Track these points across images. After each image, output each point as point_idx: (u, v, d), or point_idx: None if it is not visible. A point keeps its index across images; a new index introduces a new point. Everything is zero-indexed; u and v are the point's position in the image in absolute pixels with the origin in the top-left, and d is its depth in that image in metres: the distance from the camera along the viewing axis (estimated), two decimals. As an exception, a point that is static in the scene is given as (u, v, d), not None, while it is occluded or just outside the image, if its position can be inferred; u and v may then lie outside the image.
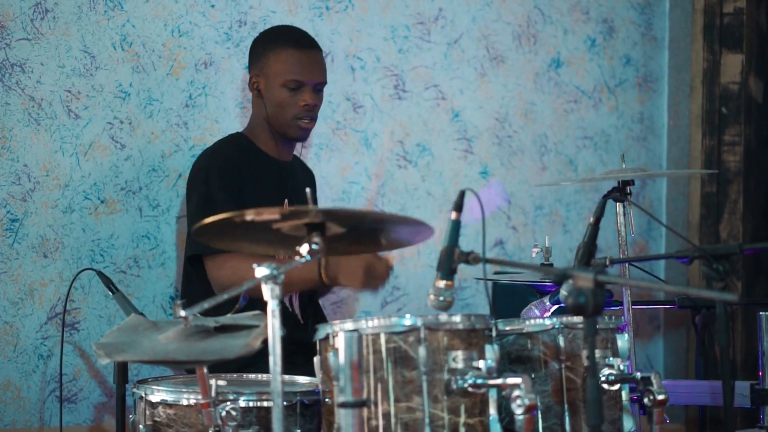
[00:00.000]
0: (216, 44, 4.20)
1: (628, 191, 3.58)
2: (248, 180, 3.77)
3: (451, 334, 2.80)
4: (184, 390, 2.99)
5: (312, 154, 4.34)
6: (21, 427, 3.86)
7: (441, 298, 2.84)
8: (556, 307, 3.44)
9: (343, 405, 2.56)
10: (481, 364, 2.78)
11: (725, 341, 2.97)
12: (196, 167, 3.84)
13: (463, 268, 2.88)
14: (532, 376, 2.99)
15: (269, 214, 2.73)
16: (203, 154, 3.86)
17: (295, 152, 4.00)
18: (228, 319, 2.83)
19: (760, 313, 3.61)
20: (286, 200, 3.81)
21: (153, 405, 3.00)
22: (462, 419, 2.77)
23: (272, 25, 4.25)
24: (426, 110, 4.61)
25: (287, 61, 3.81)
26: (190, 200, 3.80)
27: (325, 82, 3.89)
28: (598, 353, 2.98)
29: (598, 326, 2.87)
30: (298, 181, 3.95)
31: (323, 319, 3.94)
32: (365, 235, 2.92)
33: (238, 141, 3.90)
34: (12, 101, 3.87)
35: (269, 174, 3.84)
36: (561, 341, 3.01)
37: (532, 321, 3.06)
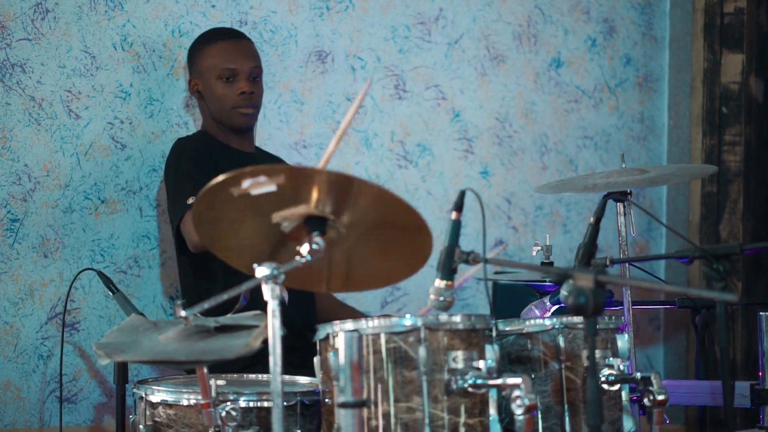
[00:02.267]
0: (216, 44, 4.20)
1: (629, 191, 3.58)
2: (217, 166, 3.79)
3: (451, 334, 2.80)
4: (184, 390, 2.99)
5: (312, 154, 4.34)
6: (21, 427, 3.86)
7: (441, 299, 2.84)
8: (556, 307, 3.44)
9: (343, 405, 2.56)
10: (481, 364, 2.78)
11: (725, 341, 2.97)
12: (169, 157, 3.91)
13: (463, 268, 2.88)
14: (532, 376, 2.99)
15: (268, 183, 2.63)
16: (174, 146, 3.92)
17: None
18: (228, 319, 2.83)
19: (760, 313, 3.61)
20: None
21: (153, 405, 3.00)
22: (462, 419, 2.77)
23: (273, 25, 4.26)
24: (426, 110, 4.61)
25: (216, 54, 3.92)
26: (167, 187, 3.88)
27: (258, 68, 3.95)
28: (598, 353, 2.99)
29: (598, 326, 2.87)
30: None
31: (313, 316, 3.97)
32: (369, 237, 2.88)
33: (202, 135, 3.98)
34: (12, 101, 3.87)
35: (234, 164, 3.84)
36: (561, 341, 3.01)
37: (532, 321, 3.06)
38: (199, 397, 2.82)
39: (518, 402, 2.68)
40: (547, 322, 3.04)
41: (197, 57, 3.97)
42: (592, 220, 3.37)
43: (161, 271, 4.08)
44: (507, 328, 3.04)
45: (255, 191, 2.65)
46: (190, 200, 3.68)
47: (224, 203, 2.70)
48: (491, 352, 2.80)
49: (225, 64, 3.90)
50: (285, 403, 2.90)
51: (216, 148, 3.91)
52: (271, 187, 2.65)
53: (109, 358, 2.73)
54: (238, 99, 3.89)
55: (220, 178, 2.64)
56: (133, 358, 2.87)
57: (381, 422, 2.77)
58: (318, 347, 2.92)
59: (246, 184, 2.63)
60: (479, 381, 2.76)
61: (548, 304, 3.44)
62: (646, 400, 2.99)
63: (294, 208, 2.71)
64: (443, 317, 2.81)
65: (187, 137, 3.99)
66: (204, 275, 3.80)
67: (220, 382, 2.89)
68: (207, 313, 2.76)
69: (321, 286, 3.07)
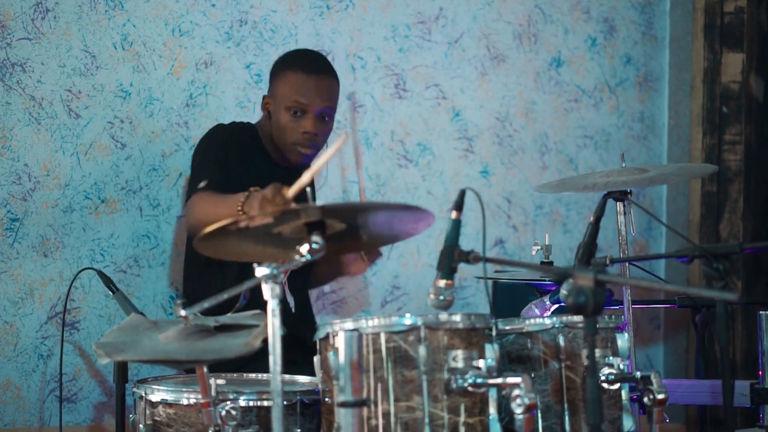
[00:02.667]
0: (216, 43, 4.20)
1: (629, 190, 3.58)
2: (246, 163, 3.77)
3: (451, 333, 2.80)
4: (184, 389, 2.99)
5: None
6: (21, 426, 3.86)
7: (441, 298, 2.84)
8: (556, 306, 3.44)
9: (343, 404, 2.56)
10: (481, 363, 2.78)
11: (725, 340, 2.97)
12: (203, 137, 3.85)
13: (463, 268, 2.88)
14: (532, 375, 2.99)
15: (262, 219, 2.74)
16: (212, 128, 3.86)
17: None
18: (228, 318, 2.83)
19: (760, 312, 3.61)
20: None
21: (153, 404, 3.00)
22: (462, 419, 2.77)
23: (273, 24, 4.25)
24: (426, 109, 4.61)
25: (292, 84, 3.76)
26: (191, 165, 3.84)
27: (332, 108, 3.79)
28: (598, 352, 2.99)
29: (598, 325, 2.87)
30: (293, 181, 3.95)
31: (311, 316, 3.97)
32: (366, 229, 2.93)
33: (251, 131, 3.88)
34: (13, 101, 3.87)
35: (265, 170, 3.83)
36: (561, 340, 3.01)
37: (532, 320, 3.06)
38: (199, 396, 2.82)
39: (518, 401, 2.68)
40: (547, 321, 3.04)
41: (276, 77, 3.82)
42: (592, 219, 3.37)
43: (161, 271, 4.08)
44: (507, 327, 3.04)
45: (253, 224, 2.77)
46: (201, 184, 3.61)
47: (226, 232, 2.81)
48: (491, 351, 2.80)
49: (296, 97, 3.73)
50: (285, 402, 2.90)
51: (254, 151, 3.82)
52: (268, 219, 2.77)
53: (109, 357, 2.74)
54: (301, 137, 3.74)
55: (219, 225, 2.73)
56: (133, 358, 2.88)
57: (381, 421, 2.77)
58: (318, 346, 2.93)
59: (243, 224, 2.76)
60: (479, 380, 2.76)
61: (548, 303, 3.44)
62: (646, 399, 2.99)
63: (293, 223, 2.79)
64: (443, 316, 2.81)
65: (232, 124, 3.87)
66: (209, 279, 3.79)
67: (220, 381, 2.90)
68: (207, 313, 2.77)
69: None
